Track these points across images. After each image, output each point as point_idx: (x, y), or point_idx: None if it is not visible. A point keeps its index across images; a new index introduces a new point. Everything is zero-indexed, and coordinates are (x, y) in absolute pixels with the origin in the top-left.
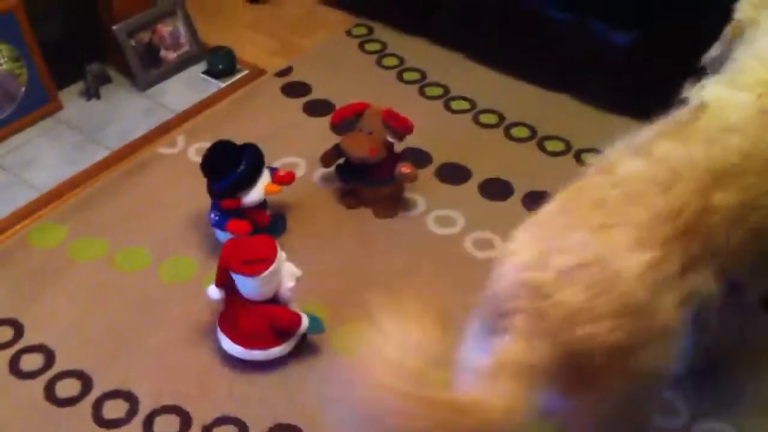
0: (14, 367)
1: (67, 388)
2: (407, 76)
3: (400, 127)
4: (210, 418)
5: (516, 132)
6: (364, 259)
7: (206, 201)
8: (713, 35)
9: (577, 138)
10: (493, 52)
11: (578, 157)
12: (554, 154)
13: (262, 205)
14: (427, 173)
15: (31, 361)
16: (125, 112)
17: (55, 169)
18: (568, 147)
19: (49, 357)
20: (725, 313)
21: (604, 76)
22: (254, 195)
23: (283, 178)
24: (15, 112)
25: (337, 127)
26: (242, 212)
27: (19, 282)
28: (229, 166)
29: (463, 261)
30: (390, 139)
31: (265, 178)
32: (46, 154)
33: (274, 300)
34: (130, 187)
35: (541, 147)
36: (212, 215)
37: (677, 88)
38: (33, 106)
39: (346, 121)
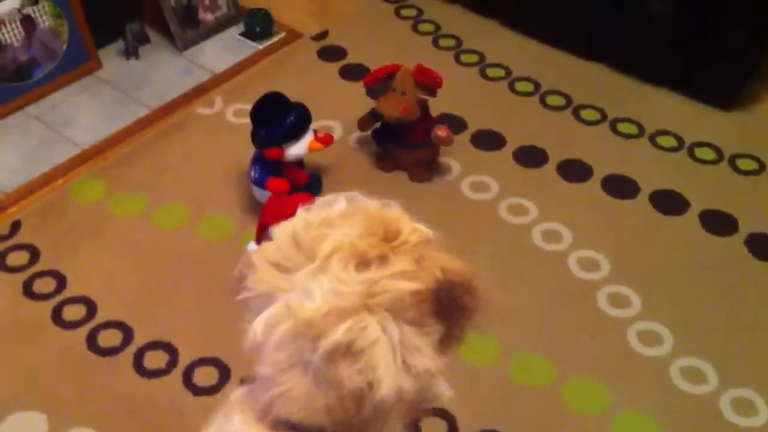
0: (57, 317)
1: (109, 338)
2: (443, 42)
3: (429, 80)
4: (248, 371)
5: (551, 100)
6: None
7: (244, 161)
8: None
9: (612, 107)
10: (529, 19)
11: (613, 126)
12: (589, 122)
13: (300, 164)
14: (462, 139)
15: (73, 312)
16: (163, 72)
17: (94, 126)
18: (603, 116)
19: (91, 308)
20: None
21: (641, 45)
22: (298, 149)
23: (323, 140)
24: (56, 69)
25: (370, 89)
26: (281, 171)
27: (60, 235)
28: (278, 117)
29: (497, 226)
30: (422, 96)
31: (309, 136)
32: (86, 112)
33: None
34: (169, 145)
35: (577, 115)
36: (252, 172)
37: (712, 59)
38: (74, 64)
39: (379, 82)
